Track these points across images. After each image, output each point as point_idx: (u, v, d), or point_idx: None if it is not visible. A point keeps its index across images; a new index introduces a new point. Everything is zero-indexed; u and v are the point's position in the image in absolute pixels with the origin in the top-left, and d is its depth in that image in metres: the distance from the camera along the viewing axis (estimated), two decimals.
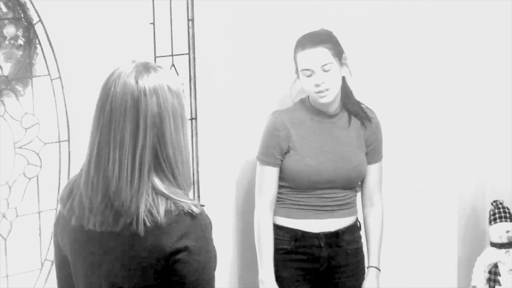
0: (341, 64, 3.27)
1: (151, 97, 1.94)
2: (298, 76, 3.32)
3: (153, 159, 1.95)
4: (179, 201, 1.92)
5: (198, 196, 3.52)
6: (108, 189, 1.94)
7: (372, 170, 3.42)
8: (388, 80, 4.16)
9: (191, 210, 1.92)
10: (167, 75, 2.02)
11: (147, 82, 1.95)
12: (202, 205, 1.99)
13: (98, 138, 1.95)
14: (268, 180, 3.32)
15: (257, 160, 3.34)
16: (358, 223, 3.45)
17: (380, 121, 3.48)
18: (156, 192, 1.93)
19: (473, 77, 4.50)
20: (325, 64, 3.22)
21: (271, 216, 3.33)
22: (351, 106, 3.38)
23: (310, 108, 3.33)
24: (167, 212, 1.92)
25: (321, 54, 3.23)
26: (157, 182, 1.94)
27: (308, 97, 3.35)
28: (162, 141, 1.96)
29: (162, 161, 1.96)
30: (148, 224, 1.91)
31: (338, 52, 3.27)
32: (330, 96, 3.24)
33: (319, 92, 3.23)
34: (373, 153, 3.42)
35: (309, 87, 3.24)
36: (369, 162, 3.40)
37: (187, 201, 1.94)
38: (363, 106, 3.42)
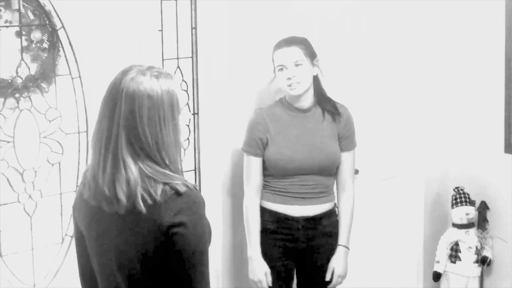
0: (313, 64, 3.25)
1: (127, 94, 1.95)
2: (275, 75, 3.32)
3: (140, 152, 1.96)
4: (174, 182, 1.94)
5: (199, 180, 3.52)
6: (97, 176, 1.98)
7: (345, 158, 3.38)
8: (363, 78, 4.13)
9: (184, 190, 1.94)
10: (165, 79, 2.01)
11: (136, 81, 1.96)
12: (194, 186, 2.00)
13: (95, 126, 2.01)
14: (253, 169, 3.30)
15: (243, 151, 3.33)
16: (336, 209, 3.45)
17: (352, 115, 3.45)
18: (149, 177, 1.94)
19: (438, 77, 4.49)
20: (297, 61, 3.22)
21: (258, 201, 3.31)
22: (323, 103, 3.35)
23: (287, 105, 3.32)
24: (163, 192, 1.93)
25: (295, 52, 3.23)
26: (149, 168, 1.95)
27: (285, 96, 3.34)
28: (140, 132, 1.96)
29: (150, 153, 1.97)
30: (149, 203, 1.92)
31: (310, 54, 3.25)
32: (300, 89, 3.23)
33: (290, 85, 3.23)
34: (345, 143, 3.38)
35: (282, 81, 3.24)
36: (342, 151, 3.37)
37: (181, 182, 1.96)
38: (336, 103, 3.40)
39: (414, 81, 4.40)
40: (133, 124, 1.95)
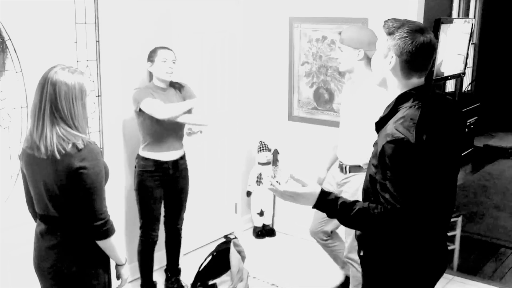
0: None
1: (50, 84, 1.96)
2: (151, 65, 3.28)
3: (52, 116, 1.97)
4: (78, 142, 1.99)
5: (102, 137, 3.44)
6: (33, 132, 2.00)
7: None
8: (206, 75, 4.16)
9: (86, 144, 2.01)
10: (78, 76, 2.02)
11: (54, 75, 1.98)
12: (94, 142, 2.07)
13: (32, 104, 2.05)
14: (154, 100, 3.16)
15: (141, 102, 3.16)
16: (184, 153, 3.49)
17: (191, 86, 3.48)
18: (63, 136, 1.98)
19: (254, 75, 4.53)
20: (174, 60, 3.31)
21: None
22: (173, 84, 3.38)
23: (154, 86, 3.31)
24: (72, 146, 1.98)
25: (173, 54, 3.31)
26: (63, 131, 1.98)
27: (152, 82, 3.32)
28: (57, 107, 1.96)
29: (66, 120, 1.99)
30: (62, 152, 1.96)
31: (176, 58, 3.35)
32: (172, 76, 3.32)
33: (168, 72, 3.27)
34: (189, 96, 3.37)
35: (164, 68, 3.27)
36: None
37: (85, 140, 2.02)
38: (180, 82, 3.45)
39: (239, 76, 4.44)
40: (54, 101, 1.98)
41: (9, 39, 2.96)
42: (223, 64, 4.35)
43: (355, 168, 3.10)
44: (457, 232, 3.96)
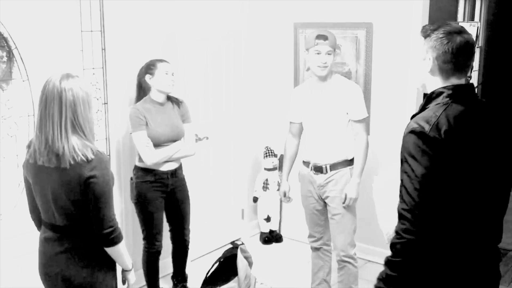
0: None
1: (68, 91, 1.98)
2: (151, 77, 3.23)
3: (71, 125, 1.99)
4: (89, 149, 2.01)
5: (109, 145, 3.47)
6: (47, 142, 2.00)
7: (186, 128, 3.37)
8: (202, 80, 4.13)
9: (96, 154, 2.03)
10: (80, 80, 2.06)
11: (66, 83, 2.00)
12: (103, 152, 2.09)
13: (40, 114, 2.03)
14: (144, 137, 3.17)
15: (132, 133, 3.20)
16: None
17: (188, 103, 3.46)
18: (75, 144, 1.99)
19: (258, 82, 4.54)
20: (173, 72, 3.29)
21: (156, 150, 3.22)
22: (170, 98, 3.35)
23: (151, 101, 3.27)
24: (83, 155, 1.99)
25: (173, 67, 3.31)
26: (75, 138, 2.00)
27: (149, 96, 3.28)
28: (75, 116, 1.99)
29: (77, 126, 2.01)
30: (72, 162, 1.98)
31: (174, 70, 3.33)
32: (174, 87, 3.31)
33: (170, 85, 3.25)
34: (186, 118, 3.37)
35: (167, 81, 3.24)
36: (184, 122, 3.36)
37: (94, 149, 2.04)
38: (176, 97, 3.41)
39: (244, 82, 4.44)
40: (74, 107, 1.99)
41: (16, 48, 2.98)
42: (228, 70, 4.36)
43: (336, 166, 3.15)
44: None
